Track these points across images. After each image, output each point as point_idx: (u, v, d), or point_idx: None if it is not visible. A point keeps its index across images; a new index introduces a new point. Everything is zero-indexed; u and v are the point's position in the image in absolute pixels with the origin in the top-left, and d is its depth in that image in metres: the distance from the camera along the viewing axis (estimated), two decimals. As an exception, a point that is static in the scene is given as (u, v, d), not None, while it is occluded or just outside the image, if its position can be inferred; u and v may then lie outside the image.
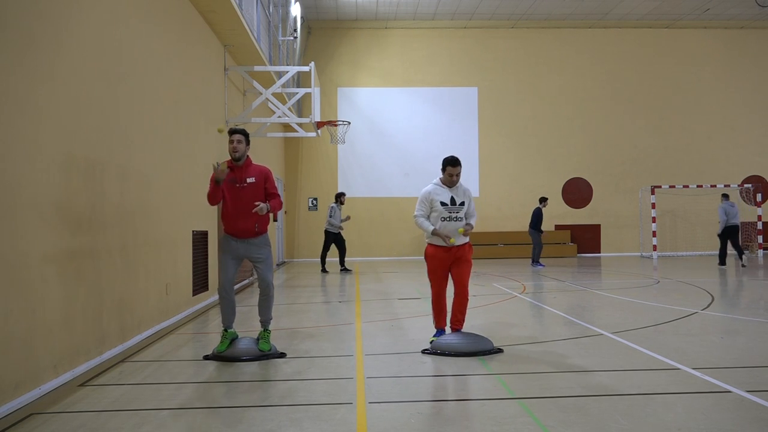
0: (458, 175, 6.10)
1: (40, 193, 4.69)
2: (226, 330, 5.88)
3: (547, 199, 16.51)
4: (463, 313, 6.18)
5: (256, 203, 5.67)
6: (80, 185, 5.34)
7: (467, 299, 6.17)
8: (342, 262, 15.39)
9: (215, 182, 5.71)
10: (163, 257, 7.59)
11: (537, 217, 16.00)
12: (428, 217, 6.11)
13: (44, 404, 4.41)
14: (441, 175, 6.18)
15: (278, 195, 5.96)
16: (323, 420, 4.00)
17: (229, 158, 5.86)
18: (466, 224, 6.08)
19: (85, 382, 4.98)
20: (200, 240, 9.41)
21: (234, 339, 5.88)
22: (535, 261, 16.03)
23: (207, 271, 9.73)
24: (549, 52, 21.03)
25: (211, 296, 9.97)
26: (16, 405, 4.28)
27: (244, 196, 5.76)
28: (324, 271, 15.29)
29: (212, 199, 5.81)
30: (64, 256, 5.01)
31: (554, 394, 4.51)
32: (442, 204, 6.04)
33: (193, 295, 8.98)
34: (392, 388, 4.76)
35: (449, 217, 6.05)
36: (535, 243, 16.07)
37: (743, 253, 15.35)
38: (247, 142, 5.87)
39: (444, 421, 3.99)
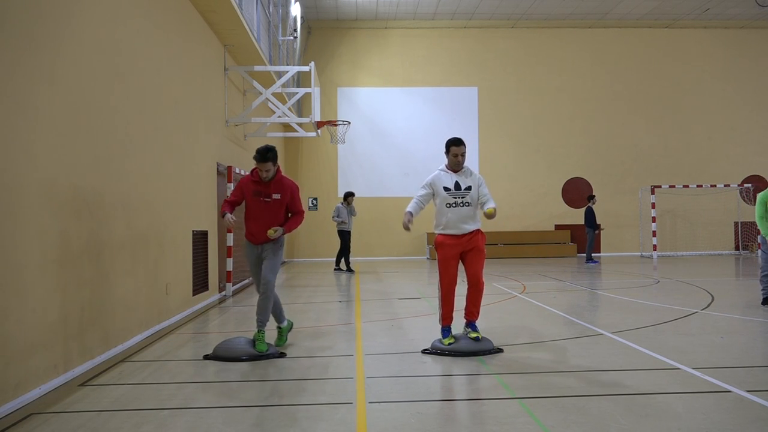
0: (463, 155, 5.85)
1: (40, 193, 4.69)
2: (259, 330, 5.81)
3: (594, 196, 17.36)
4: (478, 305, 5.90)
5: (275, 229, 5.86)
6: (80, 185, 5.34)
7: (482, 291, 5.87)
8: (346, 261, 15.23)
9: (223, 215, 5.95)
10: (163, 257, 7.59)
11: (592, 215, 16.79)
12: (425, 202, 5.97)
13: (44, 404, 4.41)
14: (446, 161, 5.95)
15: (300, 212, 6.17)
16: (323, 420, 4.00)
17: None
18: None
19: (85, 382, 4.98)
20: (200, 240, 9.41)
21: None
22: (588, 258, 16.84)
23: (207, 271, 9.73)
24: (549, 52, 21.03)
25: (211, 296, 9.97)
26: (16, 405, 4.28)
27: (267, 210, 5.98)
28: (350, 270, 15.13)
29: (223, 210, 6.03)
30: (63, 256, 5.01)
31: (554, 394, 4.51)
32: (446, 189, 5.82)
33: (193, 295, 8.98)
34: (392, 388, 4.75)
35: (454, 203, 5.80)
36: (590, 240, 16.93)
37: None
38: (275, 161, 5.95)
39: (444, 421, 3.99)
